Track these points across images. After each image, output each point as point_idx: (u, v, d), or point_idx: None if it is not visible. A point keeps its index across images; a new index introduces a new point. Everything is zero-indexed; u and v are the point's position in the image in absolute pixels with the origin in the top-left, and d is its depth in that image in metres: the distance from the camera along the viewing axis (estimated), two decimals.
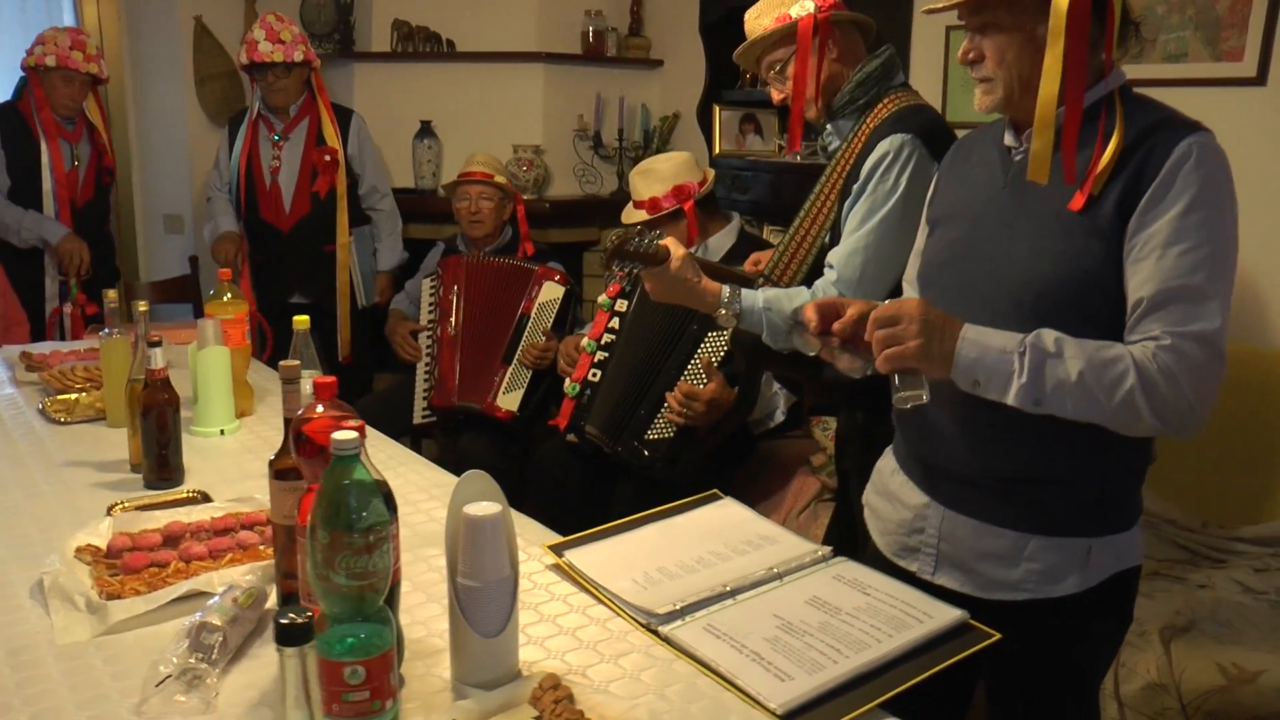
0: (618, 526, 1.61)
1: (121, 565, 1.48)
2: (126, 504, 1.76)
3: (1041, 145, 1.34)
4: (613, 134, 4.41)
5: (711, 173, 2.94)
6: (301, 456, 1.24)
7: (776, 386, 2.67)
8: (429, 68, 4.28)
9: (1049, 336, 1.27)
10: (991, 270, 1.41)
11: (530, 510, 1.79)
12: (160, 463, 1.85)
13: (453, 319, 3.36)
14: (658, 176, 2.86)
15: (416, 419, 3.40)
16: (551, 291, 3.32)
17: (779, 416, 2.69)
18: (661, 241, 1.79)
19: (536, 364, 3.24)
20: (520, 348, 3.27)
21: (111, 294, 2.18)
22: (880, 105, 1.94)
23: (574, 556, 1.50)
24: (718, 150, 3.99)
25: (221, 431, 2.16)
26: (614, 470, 2.96)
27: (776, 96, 2.04)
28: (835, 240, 1.97)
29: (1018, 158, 1.43)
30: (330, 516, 1.06)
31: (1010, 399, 1.28)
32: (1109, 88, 1.36)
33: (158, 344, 1.82)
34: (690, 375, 2.56)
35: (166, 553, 1.52)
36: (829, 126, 2.01)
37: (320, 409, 1.25)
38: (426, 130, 4.20)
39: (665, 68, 4.52)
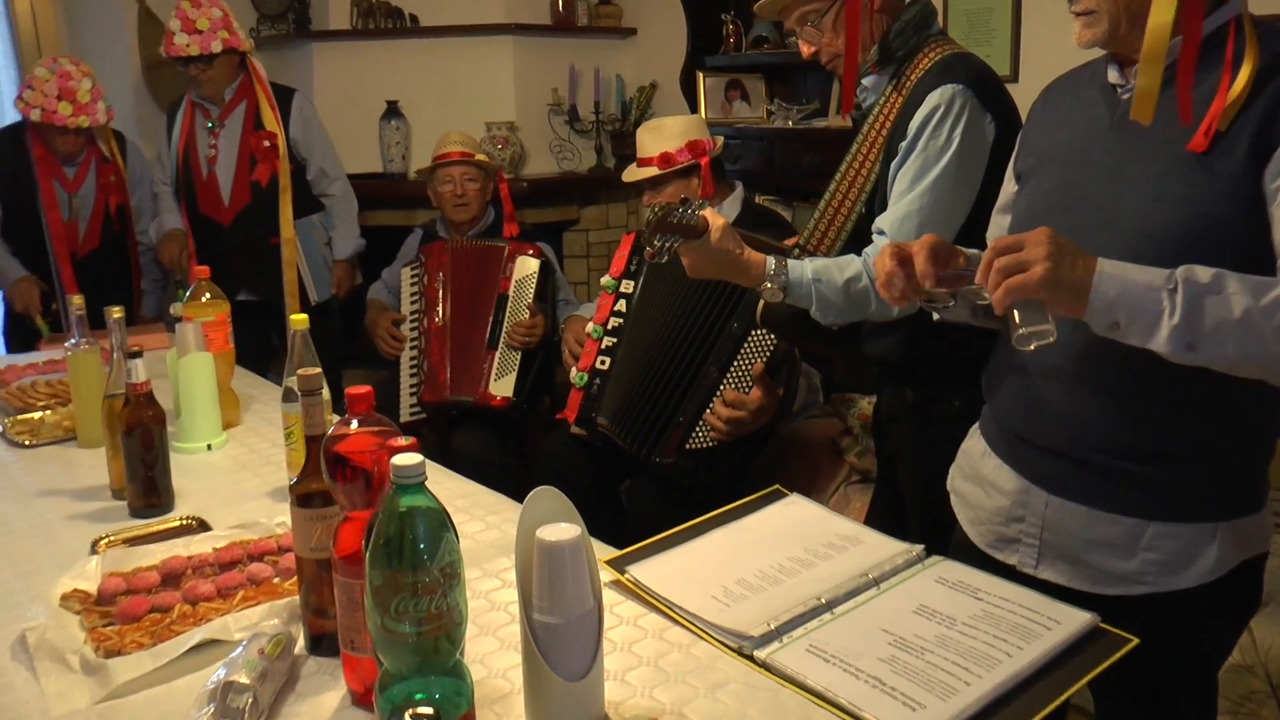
0: (678, 535, 1.44)
1: (118, 613, 1.28)
2: (113, 537, 1.56)
3: (1149, 80, 1.18)
4: (588, 107, 4.21)
5: (720, 139, 2.77)
6: (337, 482, 1.05)
7: (806, 368, 2.50)
8: (392, 45, 4.05)
9: (1202, 271, 1.11)
10: (1100, 220, 1.25)
11: None
12: (147, 487, 1.65)
13: (440, 309, 3.15)
14: (669, 132, 2.70)
15: (404, 417, 3.20)
16: (526, 266, 3.14)
17: (812, 404, 2.54)
18: (701, 212, 1.62)
19: (525, 343, 3.06)
20: (504, 329, 3.09)
21: (78, 300, 1.96)
22: (920, 55, 1.78)
23: (638, 572, 1.33)
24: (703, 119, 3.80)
25: (209, 446, 1.96)
26: (625, 464, 2.79)
27: (806, 51, 1.87)
28: (880, 205, 1.80)
29: (1125, 95, 1.27)
30: (391, 555, 0.88)
31: (1159, 343, 1.11)
32: (1231, 13, 1.20)
33: (138, 355, 1.61)
34: (731, 379, 2.38)
35: (168, 594, 1.32)
36: (863, 82, 1.84)
37: (355, 425, 1.06)
38: (393, 111, 3.97)
39: (639, 36, 4.33)
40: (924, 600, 1.24)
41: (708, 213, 1.63)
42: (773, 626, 1.19)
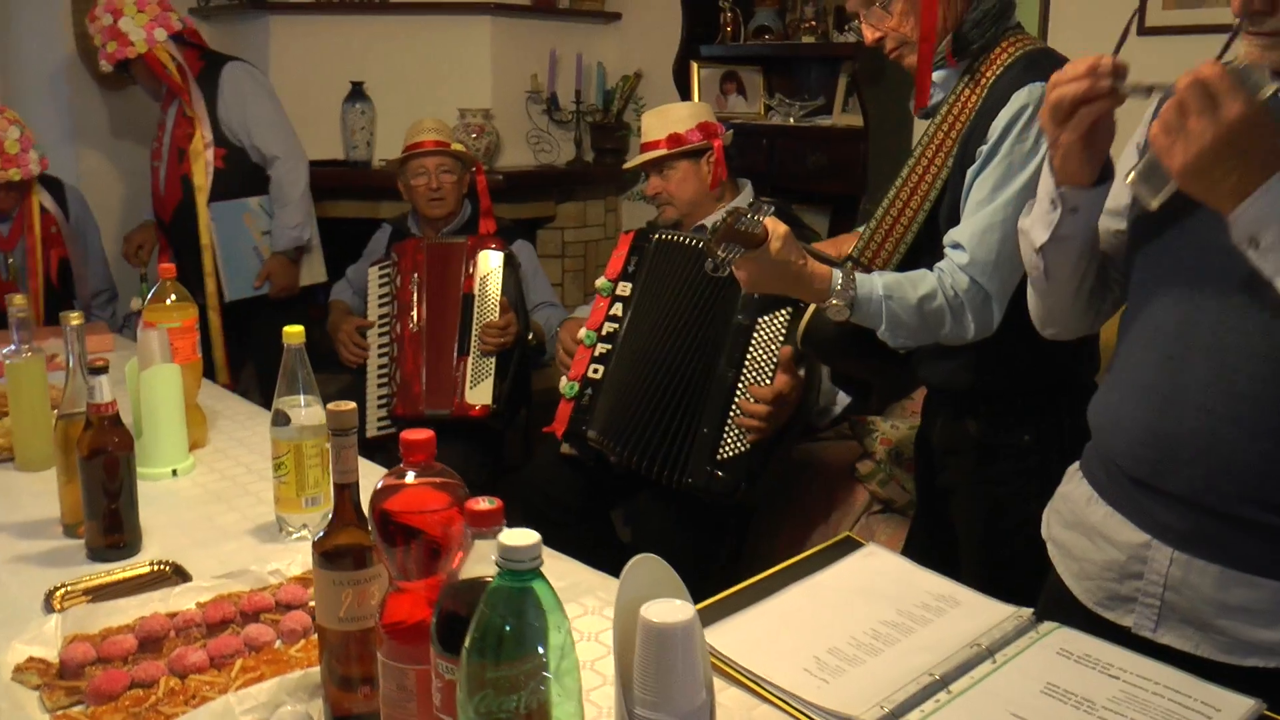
0: (748, 592, 1.30)
1: (89, 690, 1.10)
2: (70, 587, 1.36)
3: None
4: (569, 96, 4.05)
5: (730, 131, 2.64)
6: (393, 547, 0.88)
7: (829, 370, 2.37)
8: (358, 20, 3.84)
9: None
10: None
11: None
12: (110, 524, 1.45)
13: (414, 313, 2.97)
14: (676, 115, 2.59)
15: (371, 432, 3.00)
16: (488, 262, 2.97)
17: (842, 400, 2.39)
18: (765, 219, 1.47)
19: (499, 345, 2.89)
20: (474, 334, 2.91)
21: (20, 300, 1.75)
22: (997, 50, 1.65)
23: (714, 639, 1.18)
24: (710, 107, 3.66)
25: (174, 472, 1.76)
26: (620, 485, 2.64)
27: (871, 36, 1.73)
28: (947, 214, 1.68)
29: None
30: (492, 646, 0.72)
31: None
32: None
33: (102, 370, 1.41)
34: (749, 375, 2.25)
35: (149, 664, 1.14)
36: (932, 78, 1.71)
37: (412, 476, 0.89)
38: (357, 93, 3.76)
39: (625, 21, 4.17)
40: (1050, 677, 1.11)
41: (769, 220, 1.49)
42: (886, 709, 1.05)
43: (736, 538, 2.62)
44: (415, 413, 2.88)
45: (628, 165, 2.73)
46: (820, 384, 2.33)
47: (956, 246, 1.59)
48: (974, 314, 1.58)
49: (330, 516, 1.01)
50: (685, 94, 3.69)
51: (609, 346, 2.42)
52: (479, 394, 2.89)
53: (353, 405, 0.99)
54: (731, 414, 2.24)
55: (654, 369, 2.34)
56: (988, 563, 1.76)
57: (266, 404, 2.25)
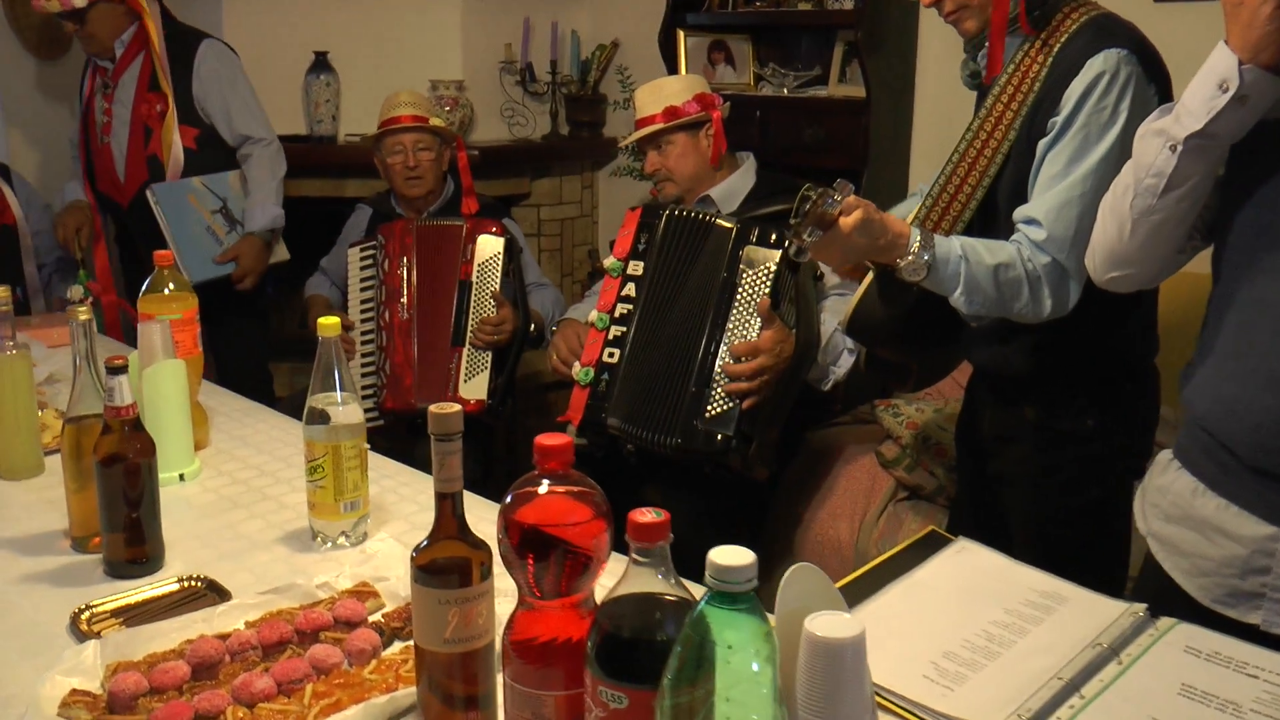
0: (844, 595, 1.25)
1: None
2: (97, 610, 1.28)
3: None
4: (544, 67, 3.96)
5: (727, 104, 2.60)
6: (526, 563, 0.82)
7: (836, 324, 2.34)
8: None
9: None
10: None
11: None
12: (132, 537, 1.37)
13: (404, 299, 2.87)
14: (671, 88, 2.57)
15: None
16: (489, 246, 2.88)
17: (845, 361, 2.35)
18: (847, 200, 1.44)
19: (493, 341, 2.82)
20: (470, 326, 2.83)
21: (2, 293, 1.64)
22: (1059, 16, 1.62)
23: None
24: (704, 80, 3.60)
25: (181, 477, 1.67)
26: (631, 479, 2.59)
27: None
28: (1012, 187, 1.65)
29: None
30: (692, 672, 0.67)
31: None
32: None
33: (122, 370, 1.32)
34: (735, 331, 2.23)
35: (211, 694, 1.07)
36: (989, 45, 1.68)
37: (547, 486, 0.84)
38: (321, 64, 3.63)
39: None
40: (1184, 678, 1.09)
41: (850, 199, 1.45)
42: (1023, 718, 1.02)
43: (754, 527, 2.59)
44: (407, 406, 2.79)
45: (624, 141, 2.67)
46: (819, 342, 2.31)
47: (1031, 222, 1.57)
48: (1051, 290, 1.56)
49: (437, 525, 0.94)
50: (671, 64, 3.62)
51: (624, 329, 2.36)
52: (473, 388, 2.82)
53: (457, 408, 0.93)
54: (717, 371, 2.23)
55: (671, 349, 2.30)
56: (1049, 555, 1.73)
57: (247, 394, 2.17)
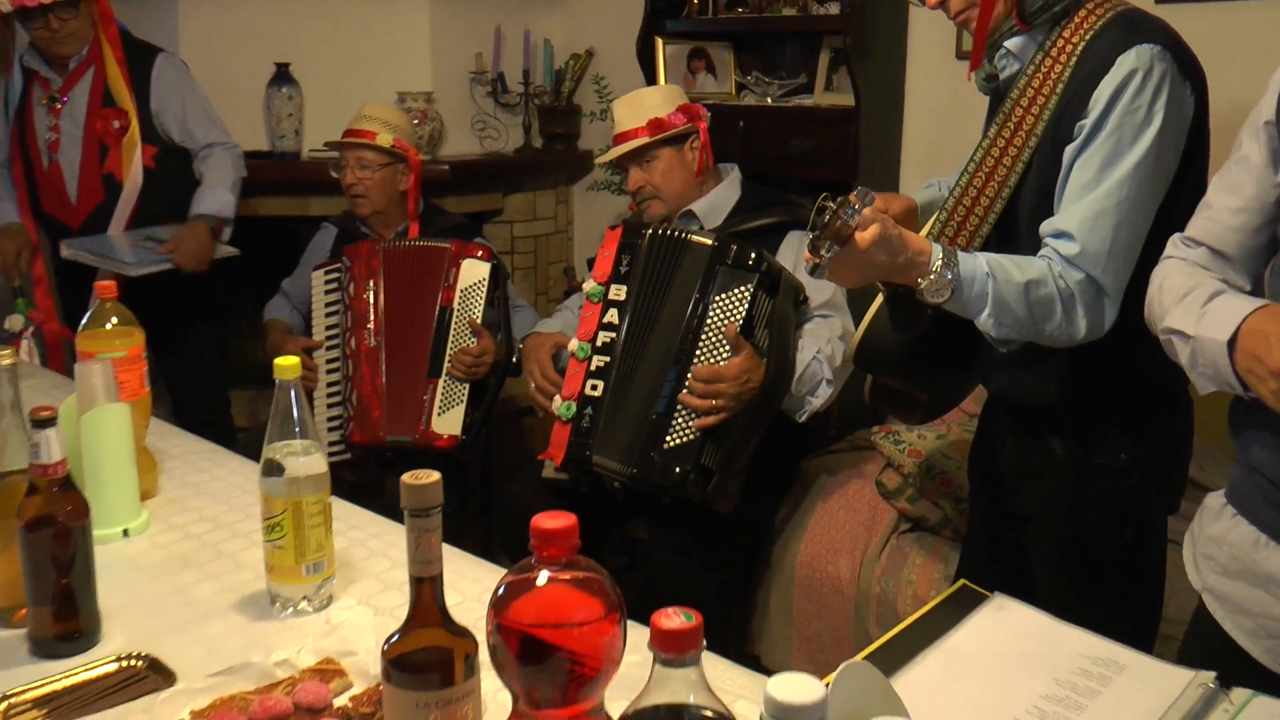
0: (876, 662, 1.12)
1: None
2: (16, 699, 1.12)
3: None
4: (516, 77, 3.82)
5: (708, 114, 2.48)
6: (519, 664, 0.68)
7: (815, 351, 2.21)
8: None
9: None
10: None
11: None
12: (62, 611, 1.21)
13: (370, 325, 2.72)
14: (650, 101, 2.43)
15: None
16: (474, 271, 2.73)
17: (824, 392, 2.22)
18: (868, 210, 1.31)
19: (472, 374, 2.67)
20: (448, 355, 2.68)
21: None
22: (1081, 13, 1.51)
23: None
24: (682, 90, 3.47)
25: (125, 532, 1.51)
26: (614, 514, 2.45)
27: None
28: (1035, 197, 1.53)
29: None
30: None
31: None
32: None
33: (49, 422, 1.17)
34: (702, 357, 2.11)
35: None
36: (1005, 45, 1.56)
37: (547, 576, 0.70)
38: (283, 76, 3.48)
39: None
40: None
41: (867, 211, 1.32)
42: None
43: (748, 563, 2.46)
44: (375, 440, 2.64)
45: (604, 159, 2.53)
46: (793, 372, 2.18)
47: (1061, 235, 1.44)
48: (1086, 310, 1.44)
49: (411, 613, 0.80)
50: (650, 73, 3.49)
51: (606, 359, 2.22)
52: (446, 423, 2.66)
53: (435, 476, 0.79)
54: (682, 394, 2.11)
55: (650, 375, 2.17)
56: (1080, 598, 1.62)
57: (197, 430, 2.01)
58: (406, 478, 0.78)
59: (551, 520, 0.70)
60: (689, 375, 2.11)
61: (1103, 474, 1.58)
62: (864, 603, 2.24)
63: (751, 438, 2.15)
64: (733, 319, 2.10)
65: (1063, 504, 1.62)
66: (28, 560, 1.19)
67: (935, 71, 3.08)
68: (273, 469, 1.26)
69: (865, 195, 1.32)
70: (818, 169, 3.10)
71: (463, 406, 2.68)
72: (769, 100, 3.33)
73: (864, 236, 1.32)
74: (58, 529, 1.18)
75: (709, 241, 2.18)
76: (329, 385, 2.80)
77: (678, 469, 2.08)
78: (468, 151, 3.82)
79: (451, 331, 2.69)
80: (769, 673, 2.17)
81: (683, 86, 3.53)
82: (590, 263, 3.65)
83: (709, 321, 2.13)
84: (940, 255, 1.40)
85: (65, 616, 1.21)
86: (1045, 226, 1.47)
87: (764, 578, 2.42)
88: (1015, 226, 1.57)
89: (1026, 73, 1.53)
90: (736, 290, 2.12)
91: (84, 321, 1.59)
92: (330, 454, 2.76)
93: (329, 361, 2.81)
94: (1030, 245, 1.55)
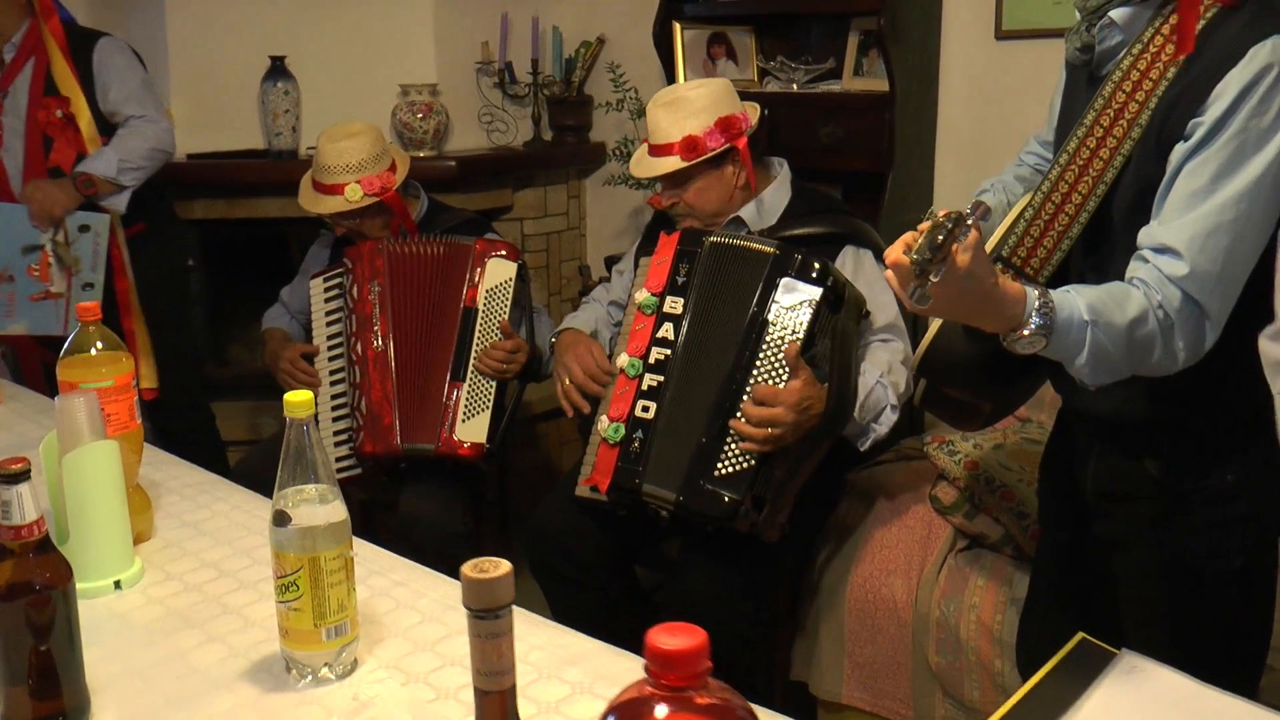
0: None
1: None
2: None
3: None
4: (525, 67, 3.65)
5: (755, 107, 2.28)
6: None
7: (879, 375, 2.04)
8: None
9: None
10: None
11: (526, 598, 1.17)
12: (41, 689, 1.05)
13: (378, 329, 2.55)
14: (691, 108, 2.18)
15: None
16: (500, 271, 2.56)
17: (888, 419, 2.05)
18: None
19: (501, 372, 2.50)
20: (472, 357, 2.52)
21: None
22: None
23: None
24: (682, 82, 3.30)
25: (117, 584, 1.35)
26: (645, 534, 2.28)
27: None
28: (1136, 201, 1.35)
29: None
30: None
31: None
32: None
33: (22, 477, 1.00)
34: (761, 375, 1.94)
35: None
36: (1111, 15, 1.38)
37: (665, 712, 0.53)
38: (279, 70, 3.30)
39: None
40: None
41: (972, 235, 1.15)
42: None
43: (793, 587, 2.29)
44: (389, 449, 2.47)
45: (638, 173, 2.30)
46: (856, 396, 2.00)
47: (1165, 251, 1.26)
48: (1185, 338, 1.27)
49: None
50: (668, 61, 3.32)
51: (659, 378, 2.04)
52: (472, 430, 2.49)
53: (506, 568, 0.62)
54: (733, 421, 1.93)
55: (706, 396, 1.99)
56: (1179, 631, 1.46)
57: (178, 448, 1.84)
58: (468, 570, 0.62)
59: (670, 639, 0.53)
60: (743, 398, 1.93)
61: (1207, 498, 1.41)
62: (923, 628, 2.08)
63: (808, 465, 1.98)
64: (792, 337, 1.93)
65: (1160, 530, 1.46)
66: (3, 642, 1.03)
67: (972, 54, 2.91)
68: (284, 520, 1.10)
69: (979, 209, 1.15)
70: (850, 158, 2.93)
71: (488, 413, 2.51)
72: (794, 87, 3.16)
73: (965, 258, 1.15)
74: (34, 599, 1.02)
75: (770, 249, 2.00)
76: (333, 398, 2.64)
77: (728, 498, 1.91)
78: (475, 146, 3.65)
79: (477, 333, 2.53)
80: (817, 701, 1.99)
81: (702, 74, 3.37)
82: (608, 262, 3.52)
83: (768, 337, 1.95)
84: (1035, 303, 1.23)
85: (44, 695, 1.05)
86: (1145, 236, 1.29)
87: (810, 600, 2.26)
88: (1108, 227, 1.40)
89: (1133, 51, 1.35)
90: (798, 304, 1.94)
91: (65, 347, 1.42)
92: (338, 470, 2.61)
93: (333, 373, 2.65)
94: (1122, 252, 1.38)
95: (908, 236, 1.25)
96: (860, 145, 2.92)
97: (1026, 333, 1.22)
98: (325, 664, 1.13)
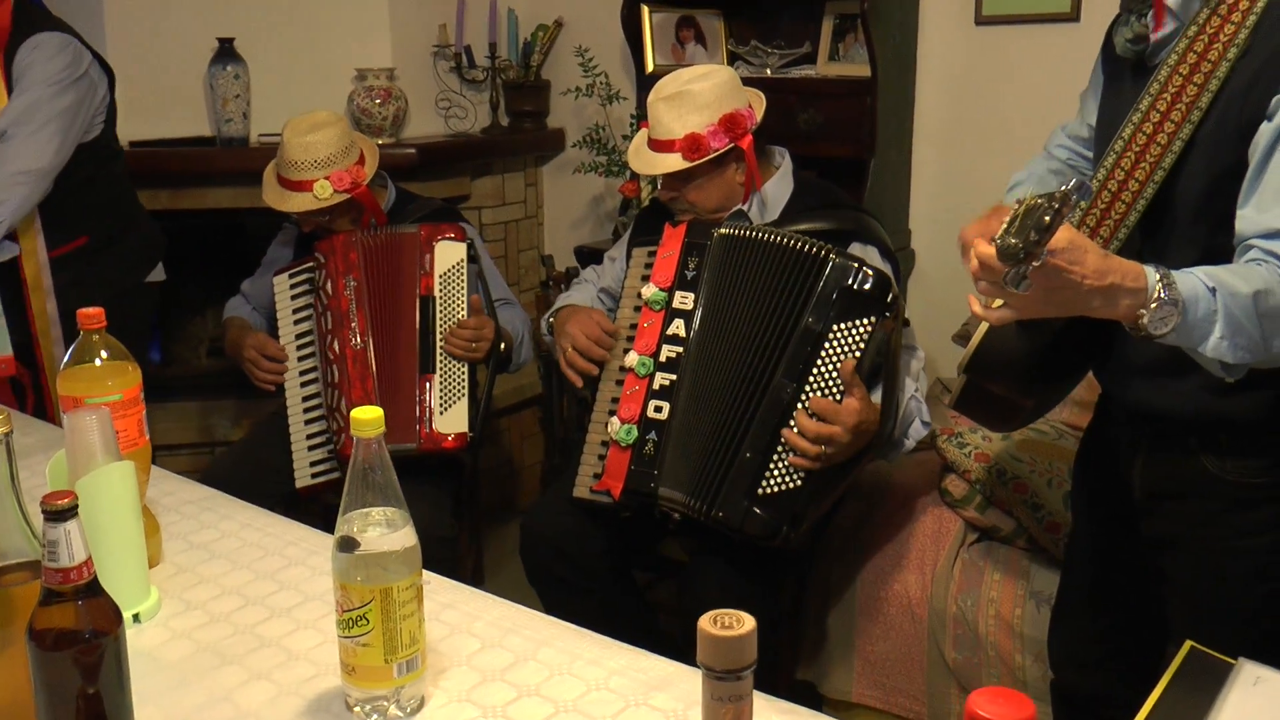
0: None
1: None
2: None
3: None
4: (483, 51, 3.53)
5: (760, 97, 2.20)
6: None
7: (913, 389, 2.00)
8: None
9: None
10: None
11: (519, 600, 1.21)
12: None
13: (355, 325, 2.43)
14: (695, 103, 2.08)
15: (303, 481, 2.47)
16: (450, 254, 2.47)
17: (918, 432, 2.01)
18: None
19: (471, 352, 2.41)
20: (438, 346, 2.43)
21: None
22: None
23: None
24: (651, 67, 3.22)
25: (135, 617, 1.24)
26: (645, 535, 2.22)
27: None
28: (1205, 188, 1.33)
29: None
30: None
31: None
32: None
33: (69, 514, 0.89)
34: (811, 392, 1.85)
35: None
36: (1166, 2, 1.35)
37: None
38: (227, 53, 3.13)
39: None
40: None
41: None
42: None
43: (799, 584, 2.25)
44: None
45: (639, 170, 2.19)
46: (899, 410, 1.95)
47: (1275, 235, 1.23)
48: None
49: None
50: (635, 44, 3.24)
51: (671, 376, 1.96)
52: (451, 420, 2.40)
53: (750, 625, 0.55)
54: (783, 439, 1.85)
55: (731, 400, 1.91)
56: (1240, 632, 1.44)
57: None
58: (709, 625, 0.54)
59: (998, 706, 0.47)
60: (795, 412, 1.83)
61: (1267, 494, 1.40)
62: (939, 624, 2.05)
63: (847, 483, 1.93)
64: (849, 354, 1.83)
65: (1215, 527, 1.44)
66: (43, 688, 0.92)
67: (952, 39, 2.89)
68: (350, 546, 1.01)
69: (1083, 188, 1.09)
70: (830, 144, 2.89)
71: (465, 401, 2.43)
72: (768, 72, 3.10)
73: (1061, 237, 1.10)
74: (84, 648, 0.91)
75: (821, 253, 1.87)
76: (305, 400, 2.51)
77: (774, 519, 1.83)
78: (432, 133, 3.52)
79: (438, 321, 2.44)
80: (825, 700, 1.94)
81: (671, 59, 3.30)
82: (578, 252, 3.43)
83: (825, 352, 1.84)
84: (1156, 275, 1.18)
85: None
86: (1249, 224, 1.26)
87: (816, 597, 2.22)
88: (1169, 217, 1.37)
89: (1188, 34, 1.33)
90: (857, 319, 1.83)
91: (66, 358, 1.29)
92: (315, 474, 2.49)
93: (304, 373, 2.52)
94: (1186, 241, 1.36)
95: (977, 228, 1.21)
96: (840, 131, 2.88)
97: (1154, 305, 1.17)
98: (394, 701, 1.04)
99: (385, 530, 1.01)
